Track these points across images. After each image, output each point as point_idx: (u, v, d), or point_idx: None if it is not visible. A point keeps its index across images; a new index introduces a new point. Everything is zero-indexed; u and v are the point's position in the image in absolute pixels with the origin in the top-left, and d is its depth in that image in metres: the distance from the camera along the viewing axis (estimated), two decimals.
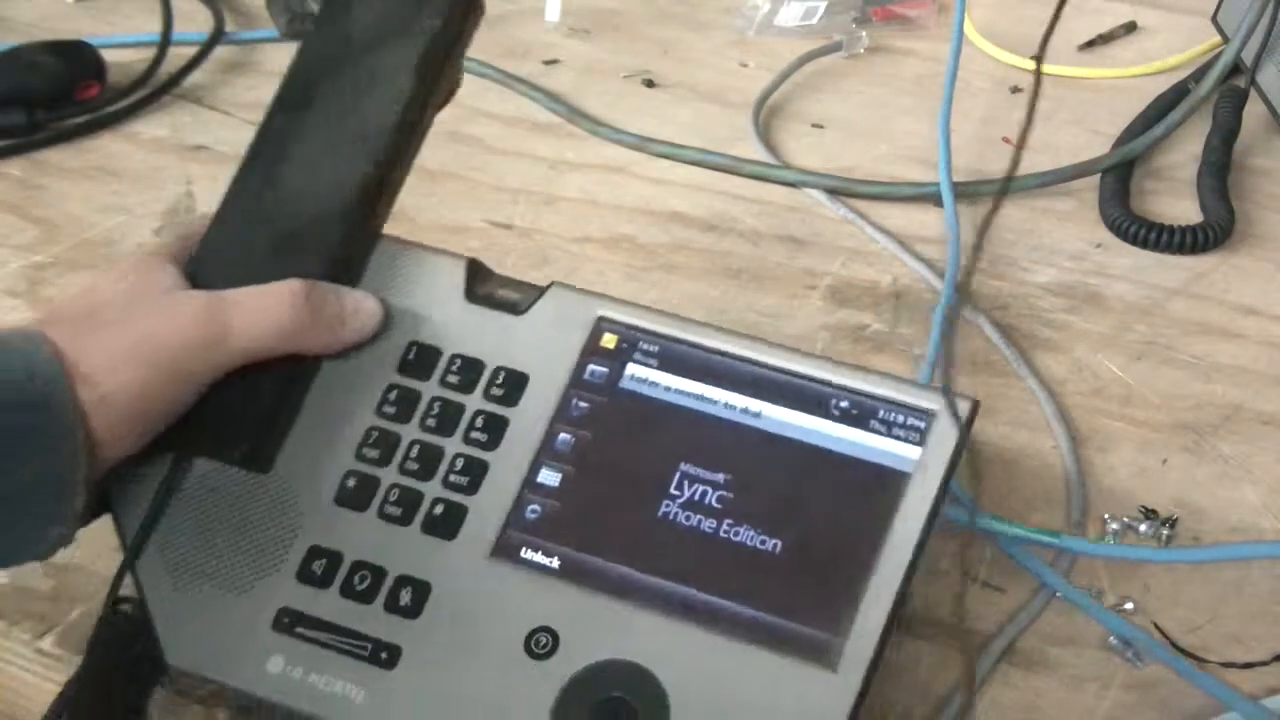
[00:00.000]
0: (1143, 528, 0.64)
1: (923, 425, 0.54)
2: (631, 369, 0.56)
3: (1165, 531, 0.64)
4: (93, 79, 0.94)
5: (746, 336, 0.56)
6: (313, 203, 0.58)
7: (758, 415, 0.55)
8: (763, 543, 0.53)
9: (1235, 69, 0.88)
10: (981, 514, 0.63)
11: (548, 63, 1.00)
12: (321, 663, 0.53)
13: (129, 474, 0.56)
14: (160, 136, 0.93)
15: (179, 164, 0.90)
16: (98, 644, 0.55)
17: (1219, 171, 0.84)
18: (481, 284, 0.59)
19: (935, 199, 0.85)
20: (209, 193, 0.87)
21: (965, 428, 0.53)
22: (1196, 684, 0.57)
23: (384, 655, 0.53)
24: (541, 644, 0.52)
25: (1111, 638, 0.59)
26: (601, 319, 0.57)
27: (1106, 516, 0.64)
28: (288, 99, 0.61)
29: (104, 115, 0.93)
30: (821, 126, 0.93)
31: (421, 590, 0.54)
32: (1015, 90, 0.96)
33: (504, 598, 0.53)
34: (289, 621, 0.54)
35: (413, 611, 0.53)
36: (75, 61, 0.94)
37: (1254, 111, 0.88)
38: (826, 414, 0.54)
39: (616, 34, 1.04)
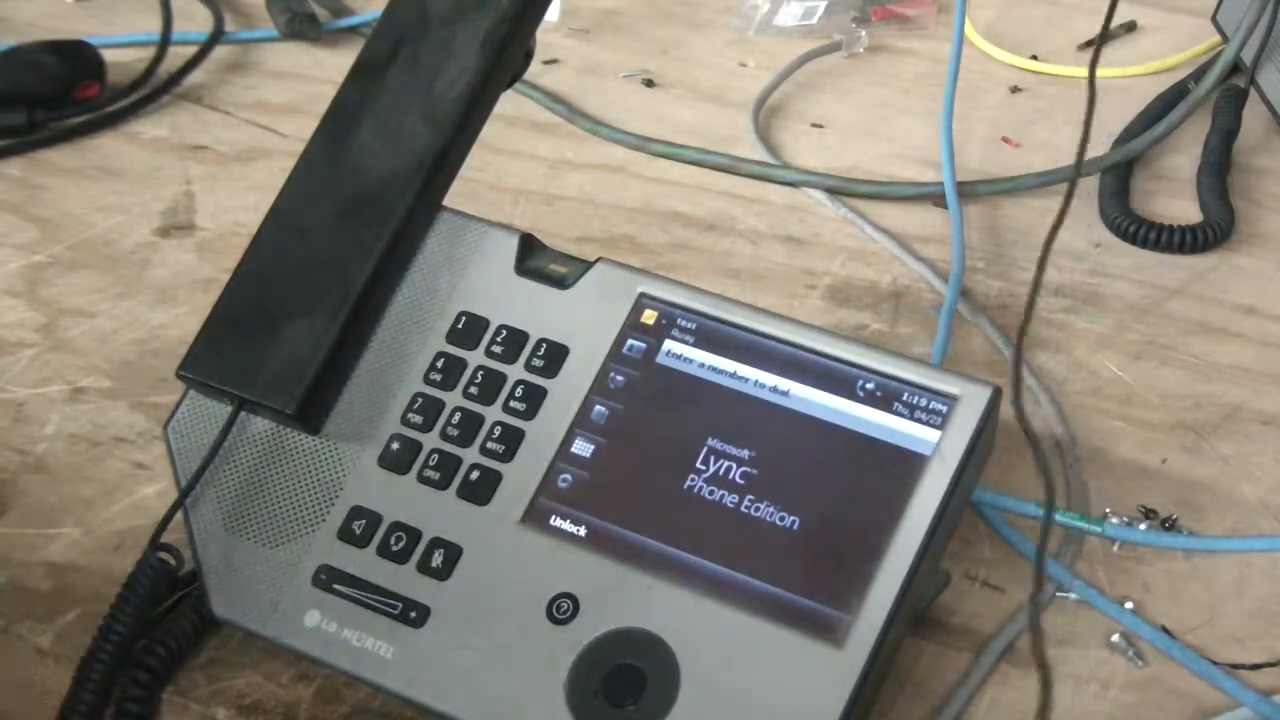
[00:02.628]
0: (1142, 527, 0.64)
1: (944, 409, 0.54)
2: (669, 344, 0.57)
3: (1165, 530, 0.64)
4: (92, 79, 0.94)
5: (781, 317, 0.57)
6: (378, 172, 0.60)
7: (786, 394, 0.56)
8: (781, 519, 0.54)
9: (1235, 69, 0.88)
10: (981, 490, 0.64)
11: (547, 62, 1.00)
12: (354, 619, 0.55)
13: (188, 420, 0.59)
14: (160, 136, 0.93)
15: (179, 164, 0.90)
16: (137, 582, 0.57)
17: (1219, 171, 0.84)
18: (532, 257, 0.60)
19: (935, 199, 0.85)
20: (209, 192, 0.87)
21: (986, 413, 0.54)
22: (1213, 681, 0.57)
23: (413, 614, 0.55)
24: (563, 609, 0.54)
25: (1114, 637, 0.59)
26: (643, 295, 0.59)
27: (1107, 510, 0.64)
28: (362, 69, 0.62)
29: (104, 115, 0.93)
30: (821, 126, 0.93)
31: (453, 553, 0.55)
32: (1015, 90, 0.96)
33: (530, 563, 0.55)
34: (327, 578, 0.56)
35: (443, 573, 0.55)
36: (75, 61, 0.94)
37: (1254, 111, 0.88)
38: (852, 395, 0.55)
39: (616, 34, 1.04)
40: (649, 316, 0.58)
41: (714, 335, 0.57)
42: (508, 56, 0.62)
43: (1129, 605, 0.61)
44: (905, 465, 0.54)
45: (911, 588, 0.52)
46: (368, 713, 0.57)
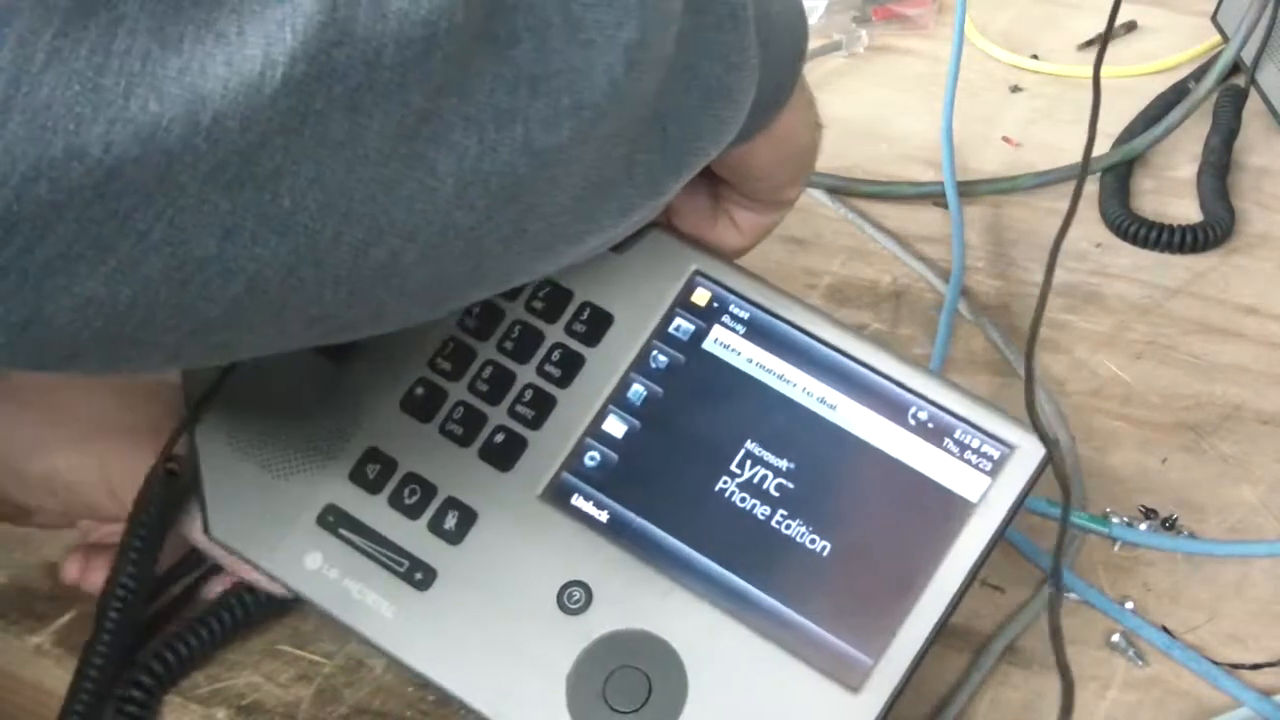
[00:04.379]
0: (1143, 527, 0.64)
1: (997, 455, 0.51)
2: (718, 331, 0.55)
3: (1166, 531, 0.64)
4: None
5: (841, 324, 0.55)
6: None
7: (834, 408, 0.53)
8: (813, 542, 0.51)
9: (1235, 68, 0.88)
10: None
11: None
12: (358, 569, 0.53)
13: None
14: None
15: None
16: (147, 499, 0.55)
17: (1219, 171, 0.84)
18: None
19: (935, 198, 0.85)
20: None
21: (1041, 466, 0.51)
22: (1213, 681, 0.57)
23: (419, 576, 0.53)
24: (574, 599, 0.52)
25: (1114, 636, 0.59)
26: (698, 273, 0.56)
27: (1108, 510, 0.64)
28: None
29: None
30: (821, 126, 0.93)
31: (468, 517, 0.53)
32: (1015, 90, 0.96)
33: (547, 543, 0.52)
34: (334, 520, 0.54)
35: (455, 537, 0.53)
36: None
37: (1254, 111, 0.88)
38: (903, 421, 0.52)
39: None
40: (701, 297, 0.55)
41: (767, 330, 0.54)
42: None
43: (1129, 605, 0.61)
44: (949, 509, 0.51)
45: (935, 638, 0.50)
46: (368, 712, 0.57)
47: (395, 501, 0.54)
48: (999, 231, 0.83)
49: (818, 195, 0.86)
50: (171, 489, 0.55)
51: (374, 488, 0.54)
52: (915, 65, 0.99)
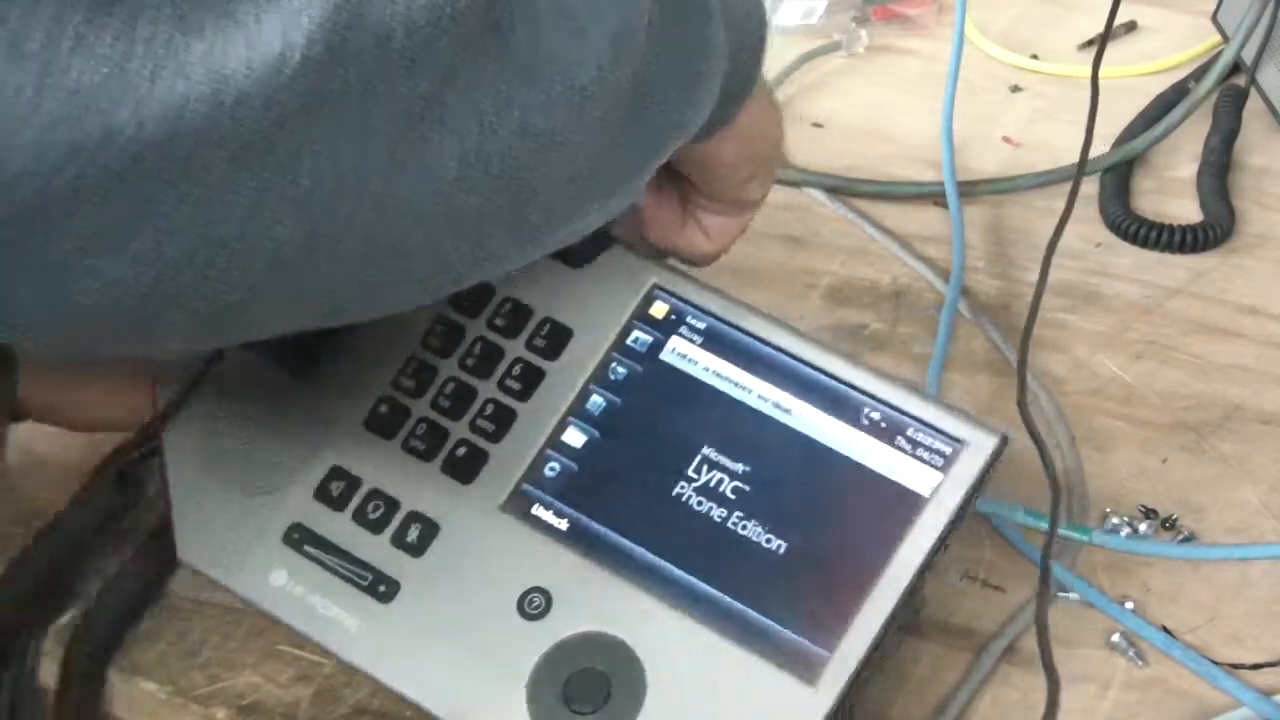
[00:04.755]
0: (1143, 527, 0.64)
1: (948, 451, 0.53)
2: (675, 342, 0.56)
3: (1165, 531, 0.64)
4: None
5: (795, 330, 0.56)
6: None
7: (789, 411, 0.54)
8: (768, 541, 0.52)
9: (1235, 68, 0.88)
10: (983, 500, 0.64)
11: None
12: (323, 584, 0.54)
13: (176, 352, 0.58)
14: None
15: None
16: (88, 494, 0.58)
17: (1219, 171, 0.84)
18: None
19: (935, 198, 0.85)
20: None
21: (991, 461, 0.52)
22: (1213, 681, 0.57)
23: (382, 589, 0.54)
24: (535, 604, 0.52)
25: (1114, 636, 0.59)
26: (656, 286, 0.57)
27: (1108, 510, 0.64)
28: None
29: None
30: (821, 126, 0.93)
31: (430, 529, 0.54)
32: (1015, 90, 0.96)
33: (507, 552, 0.53)
34: (299, 538, 0.55)
35: (418, 550, 0.54)
36: None
37: (1254, 111, 0.88)
38: (856, 422, 0.54)
39: None
40: (659, 309, 0.56)
41: (723, 339, 0.56)
42: None
43: (1129, 605, 0.61)
44: (901, 504, 0.52)
45: (890, 629, 0.51)
46: (367, 712, 0.57)
47: (359, 517, 0.55)
48: (999, 231, 0.83)
49: (818, 195, 0.86)
50: (119, 492, 0.58)
51: (338, 505, 0.55)
52: (915, 65, 0.99)
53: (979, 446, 0.52)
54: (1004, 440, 0.53)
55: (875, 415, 0.54)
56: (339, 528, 0.55)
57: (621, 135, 0.47)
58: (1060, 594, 0.61)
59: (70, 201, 0.35)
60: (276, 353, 0.56)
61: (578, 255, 0.57)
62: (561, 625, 0.52)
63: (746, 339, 0.56)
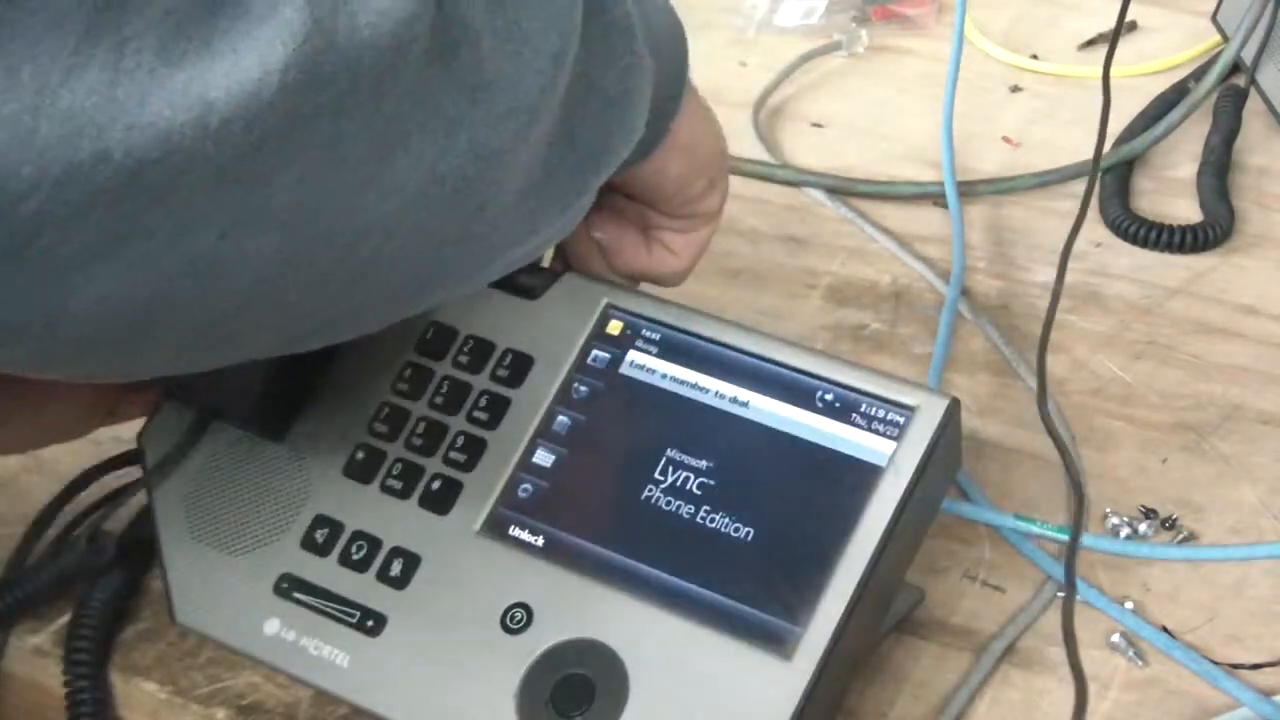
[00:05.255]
0: (1142, 527, 0.64)
1: (901, 420, 0.54)
2: (633, 355, 0.58)
3: (1165, 531, 0.64)
4: None
5: (744, 328, 0.58)
6: None
7: (745, 405, 0.56)
8: (736, 530, 0.54)
9: (1235, 68, 0.88)
10: (987, 507, 0.64)
11: None
12: (313, 627, 0.55)
13: (162, 427, 0.59)
14: None
15: None
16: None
17: (1219, 171, 0.84)
18: None
19: (935, 198, 0.85)
20: None
21: (944, 424, 0.54)
22: (1213, 681, 0.57)
23: (370, 623, 0.55)
24: (516, 619, 0.54)
25: (1114, 636, 0.59)
26: (610, 305, 0.59)
27: (1108, 509, 0.64)
28: None
29: None
30: (821, 126, 0.93)
31: (412, 562, 0.56)
32: (1015, 90, 0.96)
33: (487, 573, 0.55)
34: (288, 586, 0.56)
35: (401, 582, 0.55)
36: None
37: (1254, 111, 0.88)
38: (811, 406, 0.55)
39: None
40: (615, 327, 0.58)
41: (678, 346, 0.58)
42: None
43: (1129, 605, 0.61)
44: (859, 476, 0.54)
45: (864, 600, 0.52)
46: (368, 712, 0.57)
47: (344, 559, 0.56)
48: (999, 231, 0.83)
49: (818, 195, 0.86)
50: (93, 560, 0.60)
51: (323, 551, 0.57)
52: (915, 65, 0.99)
53: (930, 411, 0.54)
54: (955, 403, 0.55)
55: (829, 396, 0.55)
56: (326, 572, 0.56)
57: (563, 154, 0.49)
58: (1061, 594, 0.61)
59: (67, 219, 0.37)
60: (254, 419, 0.58)
61: (533, 288, 0.60)
62: (544, 636, 0.53)
63: (700, 343, 0.58)
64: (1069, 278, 0.78)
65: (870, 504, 0.53)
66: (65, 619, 0.61)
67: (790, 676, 0.51)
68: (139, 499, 0.61)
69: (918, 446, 0.54)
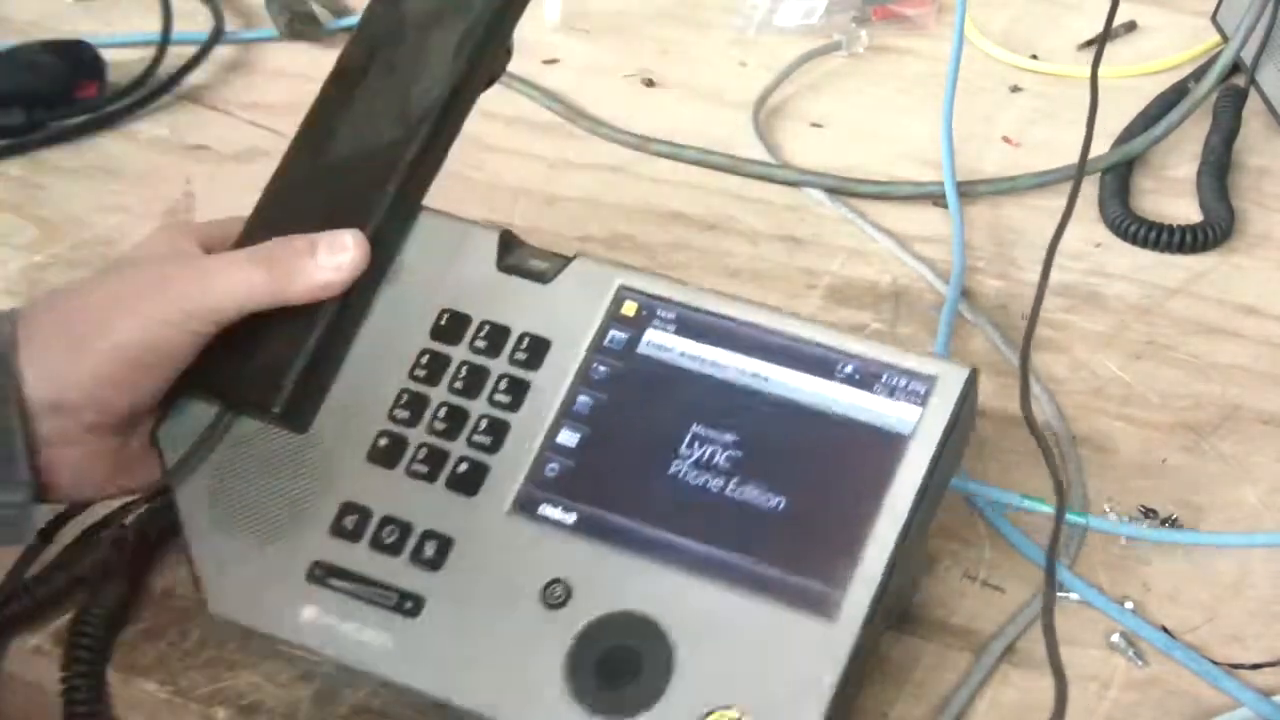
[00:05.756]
0: (1142, 527, 0.64)
1: (923, 390, 0.55)
2: (650, 335, 0.58)
3: (1165, 529, 0.64)
4: (92, 78, 0.94)
5: (759, 305, 0.58)
6: (358, 175, 0.61)
7: (766, 379, 0.57)
8: (768, 500, 0.55)
9: (1235, 68, 0.88)
10: (979, 483, 0.64)
11: (547, 62, 1.00)
12: (351, 612, 0.56)
13: (178, 424, 0.59)
14: (160, 136, 0.93)
15: (178, 164, 0.90)
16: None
17: (1219, 171, 0.84)
18: (512, 254, 0.61)
19: (935, 198, 0.85)
20: (208, 192, 0.87)
21: (965, 392, 0.55)
22: (1213, 681, 0.57)
23: (409, 605, 0.56)
24: (556, 595, 0.54)
25: (1114, 636, 0.59)
26: (623, 287, 0.59)
27: (1107, 509, 0.64)
28: (342, 73, 0.63)
29: (103, 115, 0.93)
30: (821, 126, 0.93)
31: (445, 543, 0.56)
32: (1015, 90, 0.96)
33: (522, 551, 0.56)
34: (322, 573, 0.57)
35: (436, 564, 0.56)
36: (74, 61, 0.94)
37: (1254, 111, 0.88)
38: (832, 377, 0.56)
39: (616, 33, 1.04)
40: (629, 308, 0.59)
41: (694, 324, 0.58)
42: (482, 61, 0.62)
43: (1129, 605, 0.61)
44: (887, 444, 0.55)
45: (897, 564, 0.53)
46: (368, 712, 0.57)
47: (376, 544, 0.57)
48: (999, 231, 0.83)
49: (818, 195, 0.86)
50: (118, 556, 0.60)
51: (354, 536, 0.57)
52: (915, 65, 0.99)
53: (952, 380, 0.55)
54: (974, 373, 0.56)
55: (849, 368, 0.56)
56: (358, 557, 0.57)
57: None
58: (1060, 594, 0.61)
59: None
60: (280, 413, 0.58)
61: (544, 273, 0.60)
62: (585, 610, 0.54)
63: (716, 320, 0.58)
64: (1069, 277, 0.79)
65: (900, 470, 0.54)
66: (65, 619, 0.61)
67: (836, 636, 0.52)
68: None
69: (942, 414, 0.55)
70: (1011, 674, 0.59)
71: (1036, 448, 0.61)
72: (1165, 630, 0.60)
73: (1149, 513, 0.65)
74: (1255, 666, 0.58)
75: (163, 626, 0.61)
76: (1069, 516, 0.62)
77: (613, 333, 0.59)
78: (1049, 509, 0.60)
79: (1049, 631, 0.55)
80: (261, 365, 0.58)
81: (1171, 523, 0.64)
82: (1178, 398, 0.71)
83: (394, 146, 0.61)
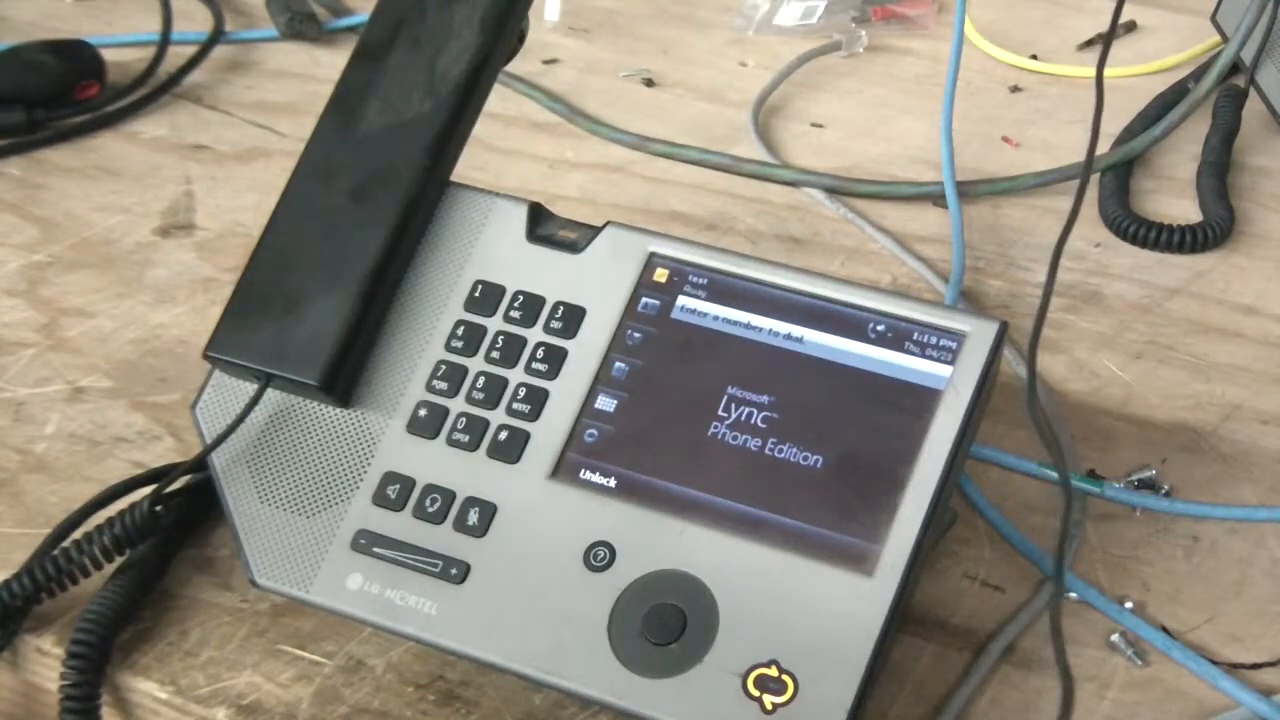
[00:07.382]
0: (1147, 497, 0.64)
1: (954, 345, 0.56)
2: (682, 300, 0.59)
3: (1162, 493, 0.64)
4: (92, 78, 0.94)
5: (789, 267, 0.59)
6: (387, 150, 0.62)
7: (800, 340, 0.58)
8: (805, 459, 0.56)
9: (1235, 68, 0.88)
10: (993, 449, 0.66)
11: (547, 62, 1.00)
12: (397, 579, 0.57)
13: (215, 400, 0.61)
14: (160, 136, 0.93)
15: (178, 163, 0.90)
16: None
17: (1219, 171, 0.85)
18: (542, 225, 0.62)
19: (935, 199, 0.85)
20: (208, 192, 0.87)
21: (995, 347, 0.56)
22: (1213, 682, 0.57)
23: (454, 571, 0.57)
24: (599, 557, 0.56)
25: (1114, 636, 0.60)
26: (654, 254, 0.60)
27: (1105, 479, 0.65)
28: (364, 52, 0.64)
29: (104, 115, 0.93)
30: (821, 126, 0.94)
31: (488, 510, 0.57)
32: (1015, 90, 0.96)
33: (564, 515, 0.57)
34: (366, 542, 0.58)
35: (480, 530, 0.57)
36: (75, 61, 0.94)
37: (1254, 111, 0.88)
38: (864, 337, 0.57)
39: (616, 33, 1.04)
40: (661, 274, 0.60)
41: (726, 288, 0.59)
42: (506, 33, 0.63)
43: (1129, 605, 0.61)
44: (921, 400, 0.56)
45: (935, 515, 0.54)
46: (368, 712, 0.57)
47: (419, 513, 0.58)
48: (999, 231, 0.83)
49: (818, 195, 0.86)
50: (154, 525, 0.60)
51: (397, 506, 0.58)
52: (915, 65, 0.99)
53: (982, 334, 0.56)
54: (1004, 326, 0.56)
55: (881, 328, 0.57)
56: (402, 525, 0.58)
57: None
58: (1062, 595, 0.61)
59: None
60: (321, 387, 0.59)
61: (575, 242, 0.61)
62: (628, 570, 0.55)
63: (747, 284, 0.59)
64: (1069, 277, 0.79)
65: (934, 426, 0.55)
66: (67, 619, 0.61)
67: (876, 591, 0.53)
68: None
69: (974, 369, 0.56)
70: (1011, 674, 0.59)
71: (1037, 451, 0.61)
72: (1165, 630, 0.60)
73: (1145, 484, 0.65)
74: (1255, 666, 0.58)
75: (163, 626, 0.61)
76: (1075, 483, 0.63)
77: (645, 299, 0.59)
78: (1042, 472, 0.61)
79: (1056, 632, 0.55)
80: (300, 339, 0.59)
81: (1169, 493, 0.65)
82: (1178, 398, 0.71)
83: (423, 119, 0.62)
